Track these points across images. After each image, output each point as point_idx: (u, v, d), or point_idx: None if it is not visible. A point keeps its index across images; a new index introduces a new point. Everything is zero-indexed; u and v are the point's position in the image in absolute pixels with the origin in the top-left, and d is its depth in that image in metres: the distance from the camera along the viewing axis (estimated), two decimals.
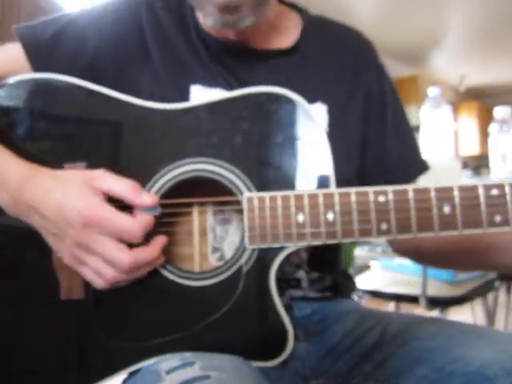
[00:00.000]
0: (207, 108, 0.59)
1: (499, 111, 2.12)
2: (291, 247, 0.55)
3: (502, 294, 1.99)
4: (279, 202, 0.54)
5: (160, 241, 0.55)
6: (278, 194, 0.55)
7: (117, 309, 0.57)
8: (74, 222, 0.51)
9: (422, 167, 0.77)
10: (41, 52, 0.66)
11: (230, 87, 0.68)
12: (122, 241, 0.52)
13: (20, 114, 0.63)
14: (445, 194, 0.52)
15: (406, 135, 0.77)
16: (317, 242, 0.54)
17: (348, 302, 0.76)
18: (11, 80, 0.64)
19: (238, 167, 0.57)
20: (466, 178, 2.33)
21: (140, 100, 0.60)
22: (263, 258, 0.55)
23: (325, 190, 0.54)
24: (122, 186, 0.53)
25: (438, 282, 1.55)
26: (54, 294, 0.57)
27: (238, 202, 0.56)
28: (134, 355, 0.56)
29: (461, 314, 2.10)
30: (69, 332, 0.58)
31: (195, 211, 0.64)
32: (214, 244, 0.66)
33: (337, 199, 0.53)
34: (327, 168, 0.56)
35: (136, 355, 0.56)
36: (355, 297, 0.79)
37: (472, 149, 6.14)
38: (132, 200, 0.53)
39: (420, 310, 1.53)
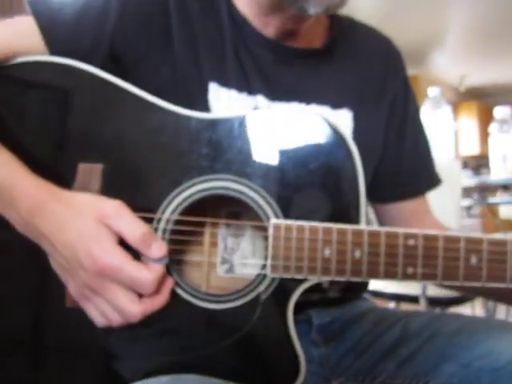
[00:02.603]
0: (238, 122, 0.55)
1: (499, 111, 2.13)
2: (314, 280, 0.54)
3: None
4: (307, 234, 0.53)
5: (169, 285, 0.53)
6: (306, 224, 0.53)
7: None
8: (87, 267, 0.48)
9: (434, 182, 0.77)
10: (59, 33, 0.60)
11: (248, 88, 0.64)
12: (133, 290, 0.50)
13: (31, 98, 0.58)
14: (474, 245, 0.52)
15: (423, 149, 0.76)
16: (340, 278, 0.53)
17: (365, 303, 0.76)
18: (23, 59, 0.59)
19: (267, 190, 0.54)
20: (466, 178, 2.33)
21: (168, 104, 0.57)
22: (283, 288, 0.54)
23: (354, 227, 0.53)
24: (133, 233, 0.50)
25: None
26: (58, 300, 0.55)
27: (263, 227, 0.54)
28: (130, 373, 0.55)
29: None
30: (70, 341, 0.56)
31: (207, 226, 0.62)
32: (224, 255, 0.65)
33: (365, 238, 0.52)
34: (357, 206, 0.55)
35: (133, 373, 0.54)
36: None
37: (472, 149, 6.06)
38: (142, 251, 0.51)
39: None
